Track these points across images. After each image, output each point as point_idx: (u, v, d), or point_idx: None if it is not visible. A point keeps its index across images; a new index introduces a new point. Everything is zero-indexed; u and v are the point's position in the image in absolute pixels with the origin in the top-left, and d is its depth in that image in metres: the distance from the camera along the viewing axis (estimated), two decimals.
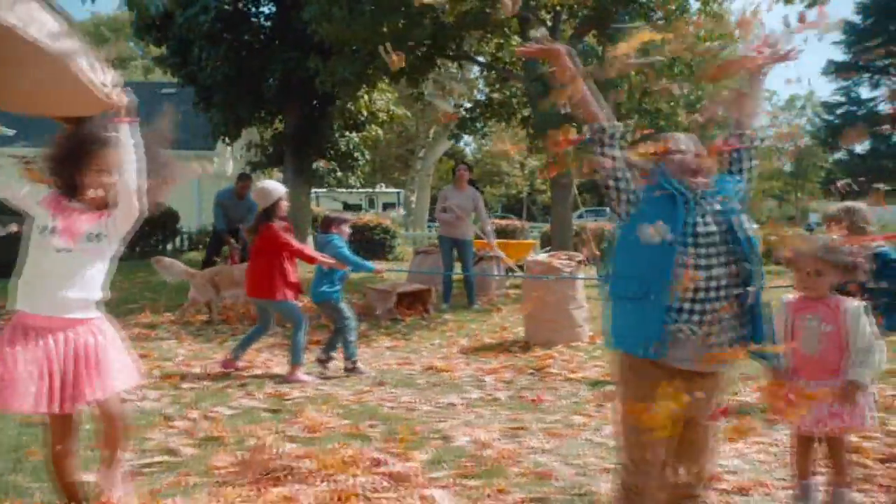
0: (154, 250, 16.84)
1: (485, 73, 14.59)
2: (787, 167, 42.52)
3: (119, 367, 2.68)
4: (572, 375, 5.47)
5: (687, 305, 2.05)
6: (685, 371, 2.10)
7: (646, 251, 2.10)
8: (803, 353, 3.01)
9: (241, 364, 5.72)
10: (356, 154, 15.92)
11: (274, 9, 14.98)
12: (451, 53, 12.18)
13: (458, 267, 9.33)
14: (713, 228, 2.12)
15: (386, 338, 7.22)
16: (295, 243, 5.61)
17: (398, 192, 35.55)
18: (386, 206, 35.79)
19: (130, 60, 40.80)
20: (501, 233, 16.40)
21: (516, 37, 11.50)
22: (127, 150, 2.56)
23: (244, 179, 9.71)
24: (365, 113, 15.53)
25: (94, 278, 2.65)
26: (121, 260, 11.19)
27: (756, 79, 2.44)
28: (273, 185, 5.83)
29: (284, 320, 6.15)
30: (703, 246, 2.09)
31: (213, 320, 7.98)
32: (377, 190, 37.61)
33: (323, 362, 5.81)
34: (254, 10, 14.82)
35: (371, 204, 36.59)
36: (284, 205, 5.71)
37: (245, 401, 4.67)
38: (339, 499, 2.86)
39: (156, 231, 17.06)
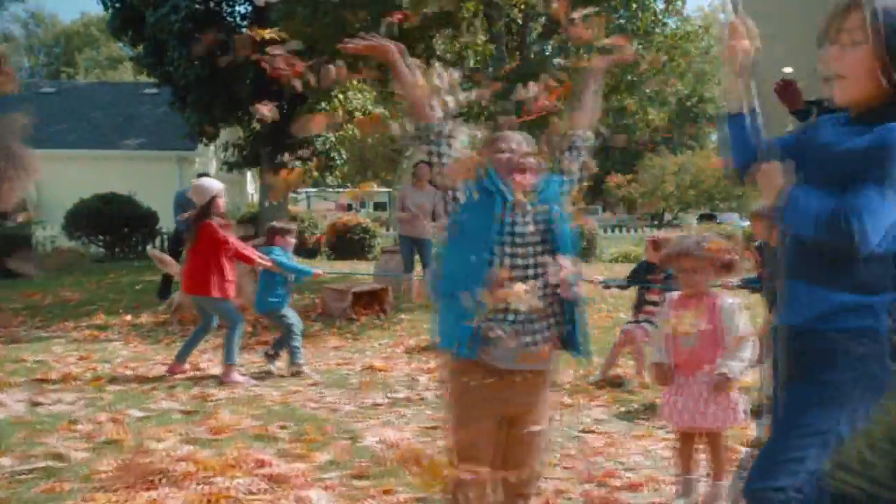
0: (133, 251, 16.88)
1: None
2: None
3: None
4: None
5: (501, 304, 2.03)
6: (506, 370, 2.09)
7: (463, 250, 2.09)
8: (681, 350, 3.01)
9: (186, 367, 5.69)
10: (333, 154, 15.91)
11: (249, 8, 14.99)
12: (419, 53, 12.15)
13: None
14: (531, 228, 2.10)
15: (336, 338, 7.22)
16: (233, 241, 5.61)
17: (388, 192, 35.50)
18: (377, 206, 35.79)
19: (120, 62, 40.79)
20: None
21: (481, 36, 11.47)
22: None
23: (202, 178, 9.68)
24: (341, 112, 15.52)
25: None
26: (98, 261, 11.08)
27: (593, 80, 2.42)
28: (209, 182, 5.83)
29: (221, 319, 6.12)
30: (521, 245, 2.08)
31: (171, 321, 7.95)
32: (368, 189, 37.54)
33: (271, 357, 5.83)
34: (228, 9, 14.82)
35: (362, 204, 36.56)
36: (222, 201, 5.70)
37: (165, 403, 4.65)
38: (210, 502, 2.85)
39: (134, 232, 17.07)
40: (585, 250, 18.43)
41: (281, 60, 2.07)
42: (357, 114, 16.06)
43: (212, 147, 19.85)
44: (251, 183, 25.22)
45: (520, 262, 2.07)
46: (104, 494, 2.89)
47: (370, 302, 8.54)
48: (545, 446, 2.32)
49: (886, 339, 1.60)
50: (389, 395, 5.03)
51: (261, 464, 3.26)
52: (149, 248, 16.57)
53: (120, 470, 3.10)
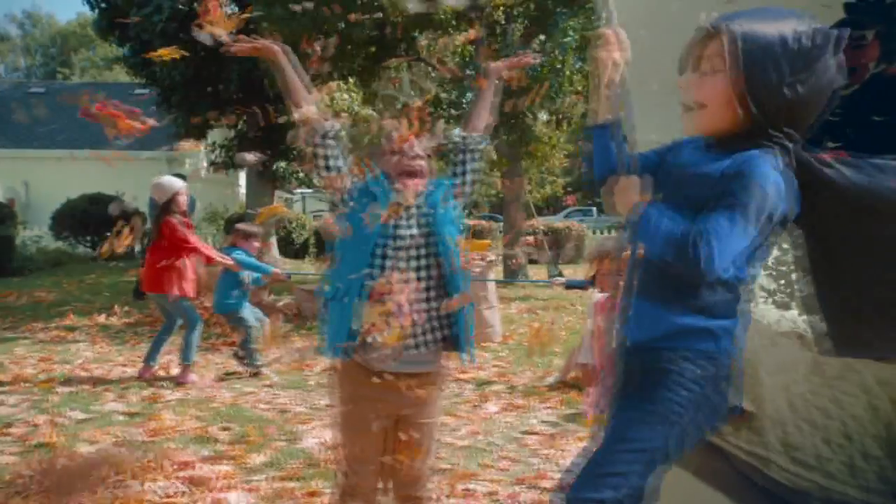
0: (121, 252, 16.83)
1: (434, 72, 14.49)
2: None
3: None
4: (462, 375, 5.42)
5: (382, 310, 2.00)
6: (391, 372, 2.05)
7: (347, 254, 2.07)
8: (607, 353, 2.97)
9: (155, 367, 5.63)
10: None
11: (236, 9, 14.98)
12: (401, 54, 12.12)
13: None
14: (415, 231, 2.07)
15: (304, 338, 7.19)
16: (193, 240, 5.60)
17: None
18: None
19: (116, 62, 40.73)
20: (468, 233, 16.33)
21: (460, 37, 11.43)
22: None
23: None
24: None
25: None
26: (83, 262, 10.97)
27: (488, 84, 2.38)
28: (169, 180, 5.84)
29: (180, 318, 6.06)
30: (404, 248, 2.05)
31: (151, 320, 7.93)
32: None
33: (241, 359, 5.79)
34: None
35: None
36: (182, 199, 5.70)
37: (112, 405, 4.61)
38: None
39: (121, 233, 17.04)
40: (575, 250, 18.37)
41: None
42: (344, 115, 16.04)
43: (202, 148, 19.84)
44: (244, 183, 25.19)
45: (402, 265, 2.04)
46: (16, 501, 2.85)
47: None
48: (433, 448, 2.29)
49: (725, 363, 1.57)
50: None
51: (183, 466, 3.23)
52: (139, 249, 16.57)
53: (38, 474, 3.07)
